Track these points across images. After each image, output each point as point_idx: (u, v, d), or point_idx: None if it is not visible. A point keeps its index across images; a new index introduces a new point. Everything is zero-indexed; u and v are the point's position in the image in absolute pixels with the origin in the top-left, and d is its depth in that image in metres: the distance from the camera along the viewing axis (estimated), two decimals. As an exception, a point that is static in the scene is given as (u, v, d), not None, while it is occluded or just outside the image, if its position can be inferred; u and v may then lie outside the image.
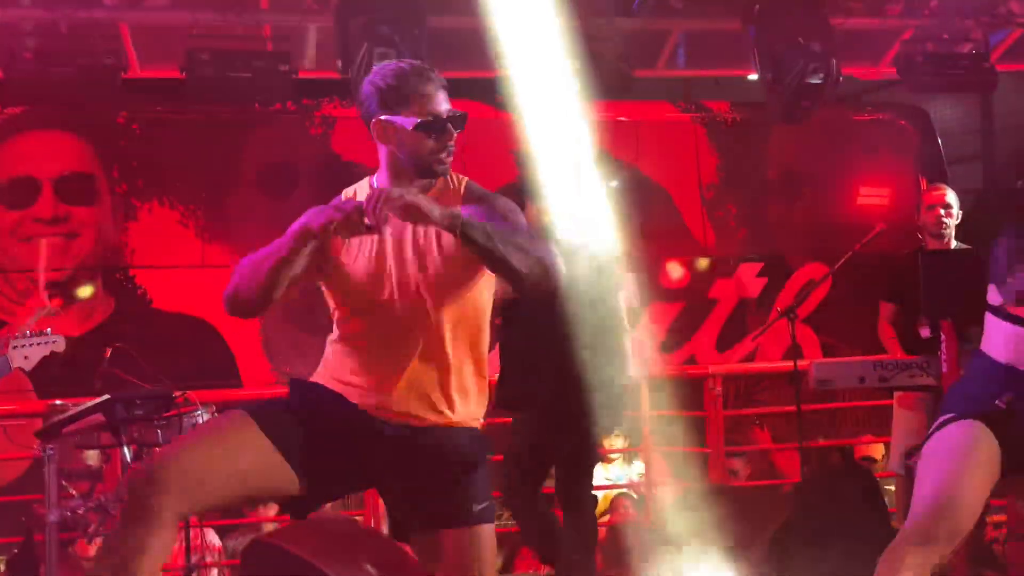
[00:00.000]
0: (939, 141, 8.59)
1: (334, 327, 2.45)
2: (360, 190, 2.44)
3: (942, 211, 4.51)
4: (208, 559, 4.29)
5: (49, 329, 3.91)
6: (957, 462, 2.59)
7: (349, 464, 2.36)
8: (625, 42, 5.71)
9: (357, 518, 4.15)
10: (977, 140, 11.20)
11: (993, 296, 2.75)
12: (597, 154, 8.02)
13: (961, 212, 4.62)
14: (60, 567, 3.70)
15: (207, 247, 7.33)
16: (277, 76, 5.00)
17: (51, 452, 3.63)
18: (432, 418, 2.35)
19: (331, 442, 2.33)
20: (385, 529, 5.94)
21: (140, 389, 3.94)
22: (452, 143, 2.36)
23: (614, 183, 8.23)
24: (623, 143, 8.13)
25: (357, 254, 2.35)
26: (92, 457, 4.07)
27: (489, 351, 2.49)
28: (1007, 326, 2.72)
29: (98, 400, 3.65)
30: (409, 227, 2.32)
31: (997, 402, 2.65)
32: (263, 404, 2.35)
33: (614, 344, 3.91)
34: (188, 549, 4.03)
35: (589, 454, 3.96)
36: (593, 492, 4.05)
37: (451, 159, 2.37)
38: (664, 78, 7.38)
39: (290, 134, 7.35)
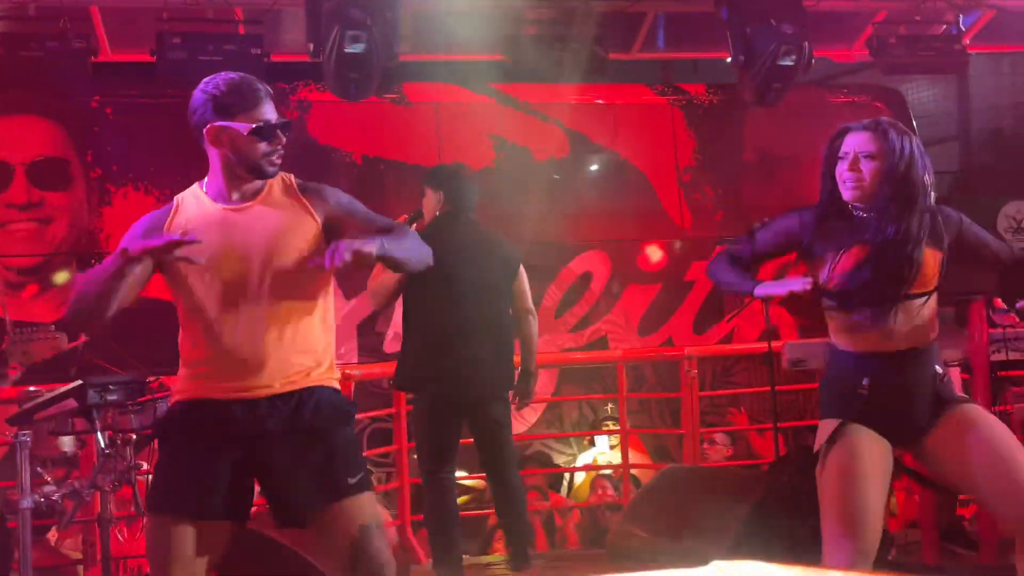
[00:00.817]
0: (914, 123, 8.64)
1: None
2: (188, 197, 2.62)
3: None
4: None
5: (52, 326, 3.89)
6: (849, 486, 2.70)
7: (243, 453, 2.52)
8: (601, 24, 5.70)
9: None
10: (953, 122, 11.27)
11: (820, 276, 2.81)
12: (574, 137, 8.07)
13: (936, 193, 4.64)
14: (34, 553, 3.69)
15: (182, 232, 7.29)
16: (249, 59, 4.95)
17: (24, 438, 3.60)
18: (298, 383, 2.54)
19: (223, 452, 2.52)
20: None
21: (114, 375, 3.93)
22: (281, 147, 2.54)
23: (592, 166, 8.27)
24: (600, 126, 8.14)
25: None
26: (66, 443, 4.04)
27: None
28: (835, 309, 2.81)
29: (71, 385, 3.63)
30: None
31: (859, 391, 2.76)
32: (164, 491, 2.54)
33: (508, 326, 4.14)
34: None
35: (493, 429, 4.11)
36: (513, 462, 4.21)
37: (280, 161, 2.56)
38: (641, 61, 7.38)
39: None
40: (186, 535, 2.46)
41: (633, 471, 6.06)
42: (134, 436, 3.85)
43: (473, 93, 7.77)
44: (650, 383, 7.78)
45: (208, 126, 2.51)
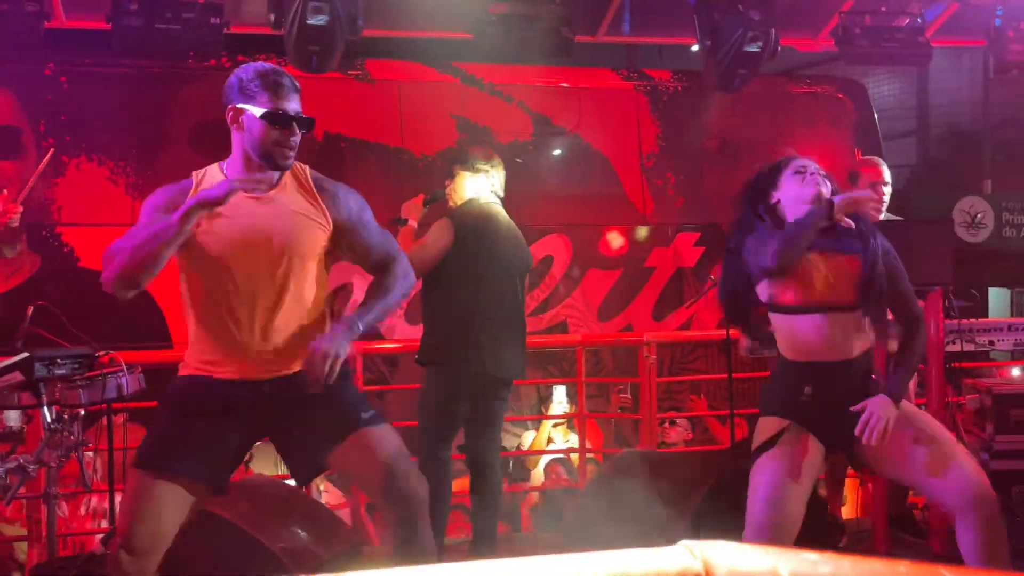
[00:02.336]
0: (875, 115, 8.72)
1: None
2: (209, 174, 2.69)
3: (884, 188, 4.56)
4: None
5: None
6: (777, 486, 2.87)
7: (245, 429, 2.66)
8: (568, 6, 5.65)
9: (289, 481, 4.11)
10: (912, 117, 11.40)
11: (763, 294, 2.97)
12: (538, 119, 8.03)
13: (890, 186, 4.69)
14: (-24, 529, 3.59)
15: (137, 204, 7.14)
16: (208, 29, 4.84)
17: (-32, 412, 3.50)
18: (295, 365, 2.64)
19: (225, 421, 2.63)
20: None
21: (63, 348, 3.83)
22: (295, 139, 2.61)
23: (555, 150, 8.23)
24: (564, 110, 8.11)
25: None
26: (12, 417, 3.94)
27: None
28: (780, 319, 2.95)
29: (17, 358, 3.53)
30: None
31: (801, 398, 2.91)
32: (156, 452, 2.62)
33: (520, 311, 4.17)
34: (113, 511, 3.95)
35: (495, 411, 4.12)
36: (499, 446, 4.23)
37: (294, 156, 2.64)
38: (606, 45, 7.35)
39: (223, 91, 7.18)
40: (168, 494, 2.56)
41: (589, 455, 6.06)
42: (82, 411, 3.76)
43: (437, 72, 7.70)
44: (608, 368, 7.79)
45: (229, 106, 2.62)
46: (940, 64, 7.75)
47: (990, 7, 6.04)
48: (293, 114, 2.59)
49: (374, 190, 4.17)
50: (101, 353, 3.79)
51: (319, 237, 2.65)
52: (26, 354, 3.51)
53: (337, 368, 2.51)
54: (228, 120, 2.63)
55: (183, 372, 2.67)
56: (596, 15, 6.57)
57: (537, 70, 7.50)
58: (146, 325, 6.58)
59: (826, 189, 2.97)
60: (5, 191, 3.82)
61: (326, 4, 4.65)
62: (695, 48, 5.90)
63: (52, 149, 3.74)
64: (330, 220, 2.66)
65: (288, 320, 2.62)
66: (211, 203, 2.49)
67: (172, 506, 2.59)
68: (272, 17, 4.93)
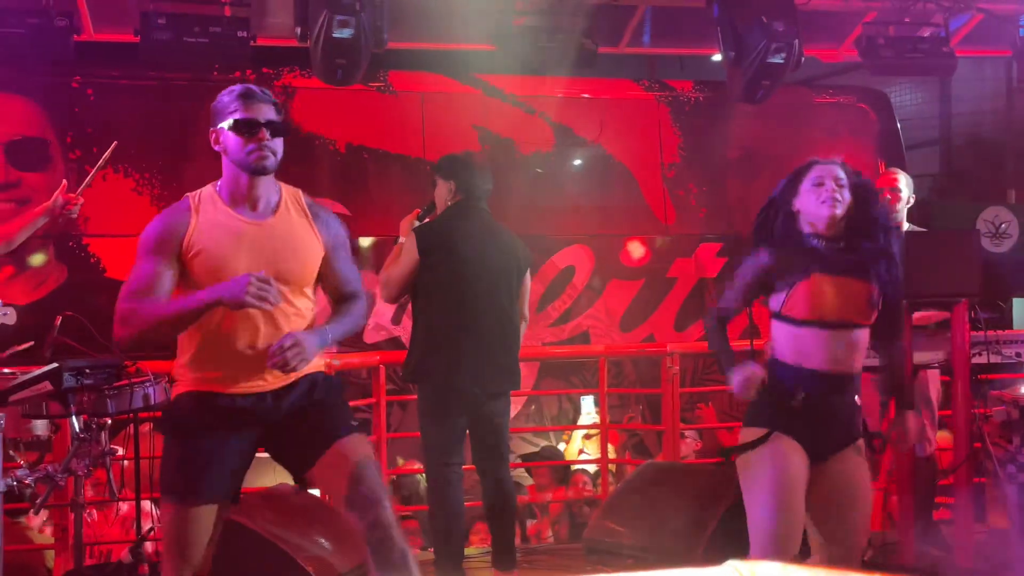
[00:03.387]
0: (898, 125, 8.68)
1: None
2: (204, 196, 2.74)
3: (888, 195, 4.55)
4: (159, 531, 4.24)
5: None
6: (778, 497, 2.88)
7: (252, 438, 2.74)
8: (590, 18, 5.67)
9: (314, 492, 4.13)
10: (935, 126, 11.33)
11: (774, 303, 2.99)
12: (560, 130, 8.05)
13: (914, 196, 4.67)
14: (6, 538, 3.63)
15: (163, 216, 7.22)
16: (235, 42, 4.89)
17: (-2, 421, 3.54)
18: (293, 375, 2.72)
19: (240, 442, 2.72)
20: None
21: (91, 358, 3.86)
22: (266, 143, 2.65)
23: (577, 160, 8.25)
24: (586, 120, 8.12)
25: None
26: (40, 427, 3.98)
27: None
28: (785, 327, 2.96)
29: (46, 368, 3.57)
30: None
31: (792, 403, 2.93)
32: (184, 479, 2.68)
33: (506, 318, 4.07)
34: (139, 520, 3.98)
35: (494, 423, 4.06)
36: (507, 458, 4.19)
37: (268, 159, 2.66)
38: (627, 56, 7.37)
39: (249, 103, 7.23)
40: (206, 517, 2.66)
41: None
42: (109, 421, 3.80)
43: (459, 83, 7.73)
44: (630, 379, 7.77)
45: (211, 131, 2.71)
46: (963, 73, 7.71)
47: (1014, 17, 6.02)
48: (263, 120, 2.64)
49: (396, 201, 4.21)
50: (128, 363, 3.83)
51: (316, 260, 2.75)
52: (55, 364, 3.55)
53: (298, 359, 2.57)
54: (213, 146, 2.72)
55: (183, 390, 2.72)
56: (618, 26, 6.59)
57: (559, 81, 7.52)
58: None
59: (840, 209, 2.96)
60: (65, 181, 3.87)
61: (352, 17, 4.68)
62: (716, 58, 5.91)
63: (115, 142, 3.78)
64: (323, 244, 2.76)
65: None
66: (236, 303, 2.54)
67: (209, 526, 2.67)
68: (298, 30, 4.97)
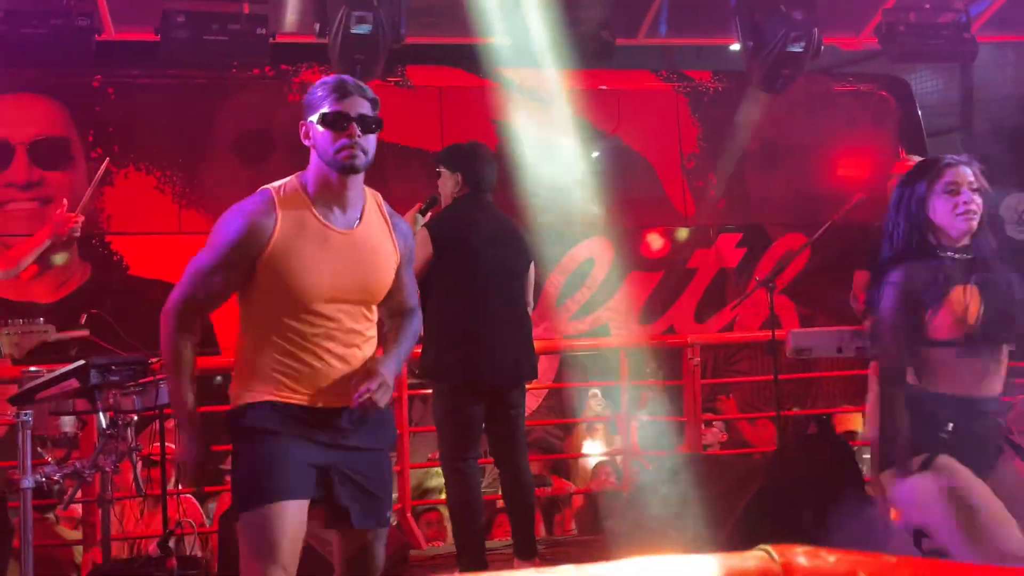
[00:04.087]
0: (919, 112, 8.61)
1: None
2: (287, 191, 2.54)
3: None
4: (186, 526, 4.29)
5: (41, 319, 3.87)
6: (978, 494, 2.61)
7: (321, 454, 2.58)
8: (607, 9, 5.66)
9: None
10: (956, 113, 11.23)
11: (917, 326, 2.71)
12: (578, 123, 8.03)
13: None
14: (34, 533, 3.67)
15: (184, 213, 7.27)
16: (254, 39, 4.92)
17: (26, 418, 3.58)
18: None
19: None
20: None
21: (116, 356, 3.90)
22: (363, 140, 2.49)
23: (595, 153, 8.23)
24: (604, 112, 8.11)
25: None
26: (67, 424, 4.02)
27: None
28: (932, 352, 2.71)
29: (72, 365, 3.60)
30: None
31: (942, 434, 2.66)
32: (269, 483, 2.50)
33: (519, 309, 4.05)
34: (166, 514, 4.02)
35: (511, 415, 4.04)
36: (525, 449, 4.17)
37: (358, 157, 2.49)
38: (644, 47, 7.33)
39: (268, 100, 7.27)
40: (293, 514, 2.47)
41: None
42: (135, 417, 3.83)
43: (477, 77, 7.73)
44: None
45: (301, 124, 2.54)
46: (985, 59, 7.64)
47: (1037, 1, 5.96)
48: (354, 115, 2.47)
49: (415, 196, 4.18)
50: (153, 360, 3.86)
51: (392, 271, 2.62)
52: (82, 362, 3.58)
53: (384, 399, 2.52)
54: (304, 141, 2.55)
55: (251, 400, 2.53)
56: (636, 17, 6.57)
57: (576, 73, 7.51)
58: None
59: (977, 221, 2.68)
60: (66, 201, 3.91)
61: (369, 13, 4.70)
62: (735, 48, 5.88)
63: (107, 159, 3.81)
64: (399, 256, 2.63)
65: (358, 351, 2.57)
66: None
67: (296, 524, 2.48)
68: (317, 27, 4.99)
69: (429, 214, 4.05)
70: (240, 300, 2.59)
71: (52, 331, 3.90)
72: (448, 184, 4.01)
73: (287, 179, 2.57)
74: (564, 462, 7.00)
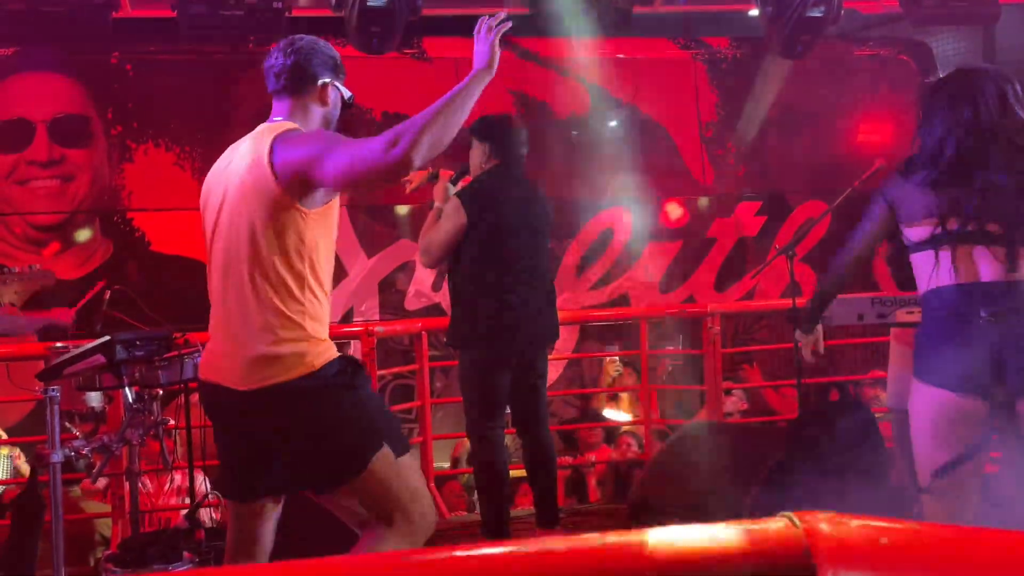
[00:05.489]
0: (941, 76, 8.50)
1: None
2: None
3: None
4: (212, 498, 4.35)
5: (36, 265, 3.89)
6: None
7: None
8: (624, -23, 5.62)
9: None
10: (979, 76, 11.06)
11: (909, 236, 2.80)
12: (595, 92, 7.99)
13: None
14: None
15: (204, 189, 7.31)
16: (270, 13, 4.92)
17: (54, 393, 3.63)
18: None
19: None
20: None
21: (141, 331, 3.94)
22: None
23: (613, 122, 8.20)
24: (622, 81, 8.06)
25: None
26: (94, 399, 4.08)
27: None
28: (925, 256, 2.78)
29: (98, 341, 3.64)
30: None
31: (979, 321, 2.62)
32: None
33: (544, 273, 4.11)
34: (192, 487, 4.08)
35: (535, 383, 4.10)
36: (547, 418, 4.21)
37: None
38: (661, 14, 7.27)
39: (285, 74, 7.26)
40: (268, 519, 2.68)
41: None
42: (161, 391, 3.88)
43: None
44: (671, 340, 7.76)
45: (321, 81, 2.63)
46: (1008, 21, 7.51)
47: (1061, -39, 5.86)
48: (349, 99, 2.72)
49: (432, 168, 4.19)
50: (177, 335, 3.90)
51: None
52: (107, 337, 3.62)
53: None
54: (312, 95, 2.61)
55: (330, 357, 2.53)
56: (652, -16, 6.51)
57: (594, 42, 7.46)
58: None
59: None
60: (69, 310, 3.93)
61: (385, -15, 4.68)
62: (753, 13, 5.82)
63: (108, 291, 3.88)
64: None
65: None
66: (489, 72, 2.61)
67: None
68: (333, 0, 4.98)
69: (460, 183, 4.11)
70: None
71: (51, 275, 3.93)
72: (477, 154, 4.06)
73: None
74: (581, 433, 7.04)
